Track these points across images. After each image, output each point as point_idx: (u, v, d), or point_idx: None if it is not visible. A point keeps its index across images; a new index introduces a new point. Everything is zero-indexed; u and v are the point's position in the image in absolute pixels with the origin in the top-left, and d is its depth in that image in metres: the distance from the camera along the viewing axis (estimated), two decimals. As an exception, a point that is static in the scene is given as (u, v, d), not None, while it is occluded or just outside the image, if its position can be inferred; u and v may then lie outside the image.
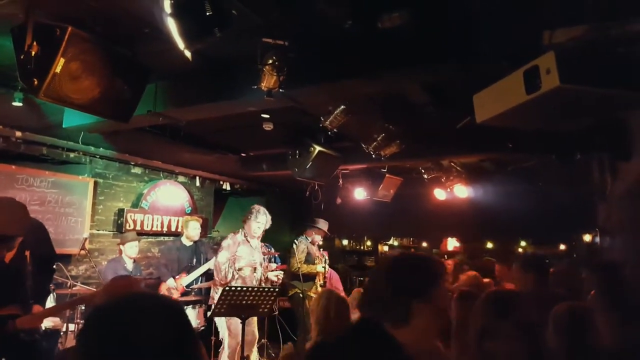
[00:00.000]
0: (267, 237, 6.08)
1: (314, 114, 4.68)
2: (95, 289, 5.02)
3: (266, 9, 2.92)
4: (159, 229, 7.28)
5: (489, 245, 9.30)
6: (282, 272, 5.84)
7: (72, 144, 5.98)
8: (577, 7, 2.32)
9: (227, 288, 4.07)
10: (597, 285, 2.58)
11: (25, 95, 4.23)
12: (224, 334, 5.01)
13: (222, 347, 5.05)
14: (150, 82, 3.85)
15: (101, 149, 6.42)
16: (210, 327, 5.51)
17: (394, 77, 3.53)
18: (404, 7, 2.84)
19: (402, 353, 1.41)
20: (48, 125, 5.23)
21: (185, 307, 5.50)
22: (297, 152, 5.87)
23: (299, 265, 6.59)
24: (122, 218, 6.69)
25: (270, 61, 3.19)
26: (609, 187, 5.09)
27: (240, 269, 5.03)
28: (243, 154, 7.13)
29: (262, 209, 5.23)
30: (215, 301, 4.41)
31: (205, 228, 7.96)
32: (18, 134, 5.44)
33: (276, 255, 7.13)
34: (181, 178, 8.00)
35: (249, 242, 5.19)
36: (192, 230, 6.32)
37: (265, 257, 6.40)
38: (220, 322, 5.05)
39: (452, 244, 9.80)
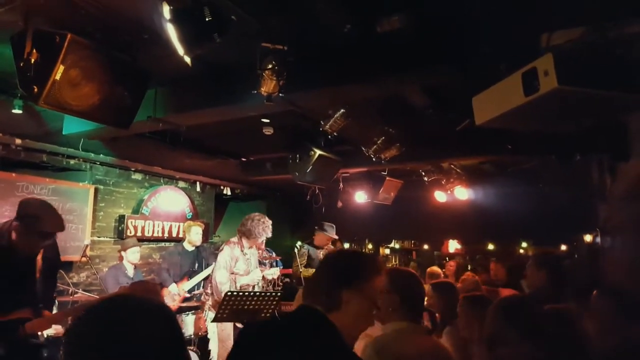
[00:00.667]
0: (269, 242, 6.07)
1: (313, 118, 4.69)
2: (97, 296, 5.01)
3: (265, 13, 2.93)
4: (160, 234, 7.28)
5: (490, 246, 9.30)
6: (278, 269, 5.82)
7: (72, 150, 5.98)
8: (575, 8, 2.33)
9: (229, 293, 4.06)
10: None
11: (25, 102, 4.24)
12: (213, 340, 4.91)
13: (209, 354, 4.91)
14: (150, 87, 3.85)
15: (101, 155, 6.42)
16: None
17: (393, 81, 3.53)
18: (402, 11, 2.85)
19: (334, 328, 1.58)
20: (48, 132, 5.24)
21: (187, 312, 5.50)
22: (298, 156, 5.87)
23: (300, 270, 6.59)
24: (123, 224, 6.69)
25: (270, 66, 3.19)
26: (609, 188, 5.10)
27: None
28: (243, 159, 7.14)
29: (266, 220, 5.06)
30: (205, 324, 4.36)
31: (207, 233, 7.95)
32: (18, 141, 5.44)
33: (278, 259, 7.14)
34: (182, 183, 8.00)
35: (245, 254, 5.01)
36: (195, 235, 6.33)
37: (267, 261, 6.42)
38: (211, 328, 4.95)
39: (453, 245, 9.79)
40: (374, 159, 5.53)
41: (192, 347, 5.28)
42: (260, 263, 6.08)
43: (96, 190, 6.47)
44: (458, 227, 8.85)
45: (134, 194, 7.13)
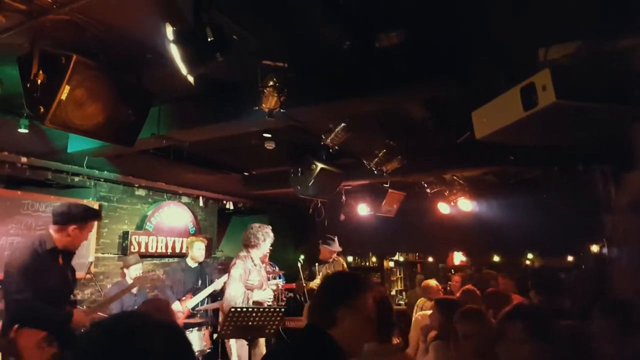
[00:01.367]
0: (271, 256, 6.06)
1: (315, 132, 4.73)
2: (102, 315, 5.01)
3: (265, 32, 2.98)
4: (164, 250, 7.29)
5: (496, 258, 9.26)
6: (282, 281, 5.79)
7: (76, 168, 6.03)
8: (571, 24, 2.37)
9: (232, 309, 4.05)
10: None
11: (30, 121, 4.30)
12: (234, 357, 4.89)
13: None
14: (153, 105, 3.90)
15: (105, 172, 6.47)
16: (216, 350, 5.48)
17: (393, 95, 3.57)
18: (400, 27, 2.89)
19: (335, 343, 1.74)
20: (53, 150, 5.29)
21: (191, 329, 5.48)
22: (300, 170, 5.90)
23: (303, 284, 6.60)
24: (127, 240, 6.70)
25: (271, 83, 3.24)
26: (614, 198, 5.10)
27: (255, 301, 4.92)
28: (246, 173, 7.17)
29: (265, 226, 5.11)
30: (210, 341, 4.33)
31: (210, 248, 7.96)
32: (24, 159, 5.49)
33: (281, 274, 7.13)
34: (185, 199, 8.03)
35: (256, 265, 5.00)
36: (197, 251, 6.32)
37: (270, 276, 6.41)
38: (231, 345, 4.92)
39: (458, 258, 9.76)
40: (375, 172, 5.55)
41: (197, 364, 5.26)
42: (264, 277, 6.09)
43: (100, 207, 6.50)
44: (463, 239, 8.82)
45: (138, 210, 7.16)
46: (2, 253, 5.39)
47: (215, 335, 5.41)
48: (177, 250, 7.44)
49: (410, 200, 7.96)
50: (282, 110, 3.45)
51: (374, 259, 10.40)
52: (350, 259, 10.26)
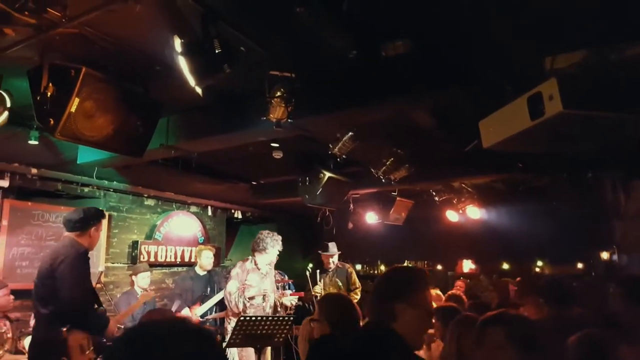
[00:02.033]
0: (279, 264, 6.03)
1: (322, 142, 4.74)
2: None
3: (272, 43, 3.00)
4: (173, 259, 7.31)
5: (505, 266, 9.18)
6: (297, 298, 5.79)
7: (86, 179, 6.08)
8: (578, 32, 2.36)
9: (242, 318, 4.06)
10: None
11: (40, 133, 4.34)
12: None
13: None
14: (162, 116, 3.93)
15: (115, 182, 6.52)
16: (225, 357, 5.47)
17: (400, 104, 3.57)
18: (406, 36, 2.90)
19: (400, 337, 1.78)
20: (63, 161, 5.34)
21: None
22: (307, 178, 5.90)
23: (313, 292, 6.59)
24: (137, 250, 6.74)
25: (279, 93, 3.26)
26: (623, 205, 5.06)
27: (252, 298, 4.97)
28: (254, 183, 7.19)
29: (275, 235, 5.17)
30: (229, 332, 4.36)
31: (218, 257, 7.98)
32: (34, 171, 5.55)
33: (290, 282, 7.12)
34: (193, 208, 8.07)
35: (259, 269, 5.09)
36: (205, 259, 6.34)
37: (279, 284, 6.39)
38: (232, 354, 4.95)
39: (467, 265, 9.69)
40: (383, 180, 5.54)
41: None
42: (273, 286, 6.08)
43: (110, 217, 6.54)
44: (471, 246, 8.77)
45: (147, 220, 7.20)
46: (13, 263, 5.44)
47: (224, 344, 5.40)
48: (186, 260, 7.46)
49: (418, 208, 7.93)
50: (289, 120, 3.47)
51: (382, 267, 10.35)
52: (358, 267, 10.21)
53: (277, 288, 6.14)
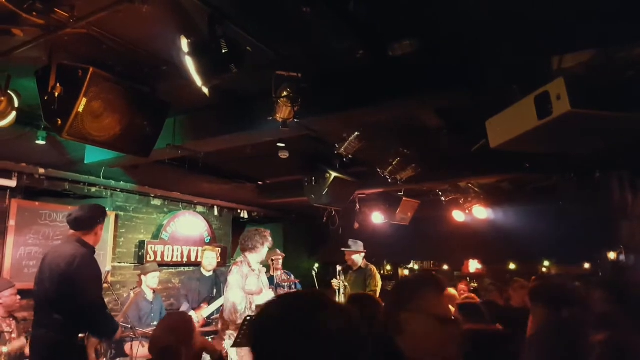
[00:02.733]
0: (286, 264, 6.05)
1: (329, 141, 4.74)
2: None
3: (279, 43, 3.00)
4: (179, 259, 7.34)
5: (512, 266, 9.15)
6: (298, 287, 5.77)
7: (93, 178, 6.12)
8: (585, 31, 2.35)
9: (248, 318, 4.06)
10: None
11: (48, 133, 4.37)
12: None
13: None
14: (169, 116, 3.94)
15: (121, 182, 6.55)
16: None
17: (406, 104, 3.56)
18: (413, 35, 2.89)
19: (395, 349, 1.59)
20: (70, 161, 5.37)
21: (207, 337, 5.49)
22: (313, 178, 5.91)
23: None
24: (143, 250, 6.76)
25: (285, 93, 3.25)
26: (631, 205, 5.02)
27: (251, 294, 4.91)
28: (260, 182, 7.20)
29: (263, 230, 5.07)
30: (226, 349, 4.35)
31: (225, 257, 8.00)
32: (41, 170, 5.59)
33: (297, 282, 7.13)
34: (200, 208, 8.09)
35: (253, 270, 4.96)
36: (206, 260, 6.38)
37: (286, 284, 6.40)
38: (232, 353, 4.91)
39: (474, 266, 9.66)
40: (389, 180, 5.54)
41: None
42: (279, 286, 6.08)
43: (117, 217, 6.57)
44: (478, 246, 8.74)
45: (154, 220, 7.22)
46: (21, 263, 5.47)
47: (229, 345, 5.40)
48: (193, 259, 7.48)
49: (424, 208, 7.91)
50: (296, 120, 3.47)
51: (388, 267, 10.34)
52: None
53: (284, 287, 6.15)
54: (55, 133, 3.59)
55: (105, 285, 5.62)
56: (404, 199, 7.43)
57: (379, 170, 5.44)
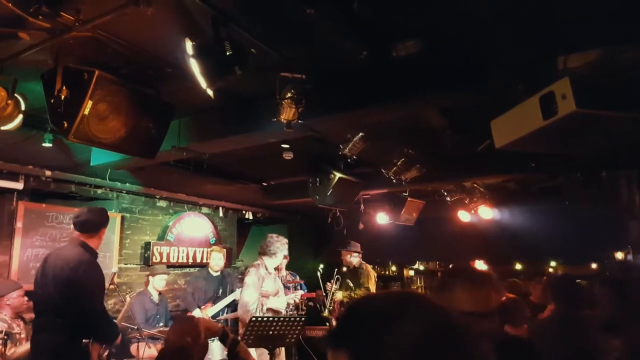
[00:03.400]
0: (291, 265, 6.06)
1: (333, 142, 4.74)
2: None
3: (283, 44, 3.01)
4: (185, 260, 7.36)
5: (518, 266, 9.11)
6: (299, 293, 5.79)
7: (99, 180, 6.14)
8: (590, 31, 2.34)
9: (253, 319, 4.07)
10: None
11: (54, 136, 4.40)
12: None
13: None
14: (174, 118, 3.95)
15: (127, 184, 6.57)
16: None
17: (410, 104, 3.56)
18: (417, 35, 2.89)
19: None
20: (76, 163, 5.40)
21: (212, 338, 5.49)
22: (318, 179, 5.91)
23: (323, 293, 6.61)
24: (149, 251, 6.79)
25: (289, 95, 3.26)
26: (638, 205, 5.00)
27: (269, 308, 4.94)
28: (264, 184, 7.21)
29: (282, 238, 5.12)
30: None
31: (230, 258, 8.01)
32: (48, 173, 5.62)
33: (302, 282, 7.14)
34: (205, 209, 8.11)
35: (270, 273, 5.04)
36: (213, 260, 6.40)
37: (291, 285, 6.41)
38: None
39: (479, 266, 9.61)
40: (394, 181, 5.53)
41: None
42: (284, 287, 6.09)
43: (123, 219, 6.60)
44: (484, 247, 8.70)
45: (159, 221, 7.25)
46: (28, 265, 5.50)
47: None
48: (199, 260, 7.51)
49: (429, 208, 7.90)
50: (300, 121, 3.47)
51: (393, 268, 10.32)
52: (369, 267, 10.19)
53: (289, 288, 6.17)
54: (61, 136, 3.62)
55: (111, 287, 5.67)
56: (408, 199, 7.42)
57: (383, 170, 5.43)
